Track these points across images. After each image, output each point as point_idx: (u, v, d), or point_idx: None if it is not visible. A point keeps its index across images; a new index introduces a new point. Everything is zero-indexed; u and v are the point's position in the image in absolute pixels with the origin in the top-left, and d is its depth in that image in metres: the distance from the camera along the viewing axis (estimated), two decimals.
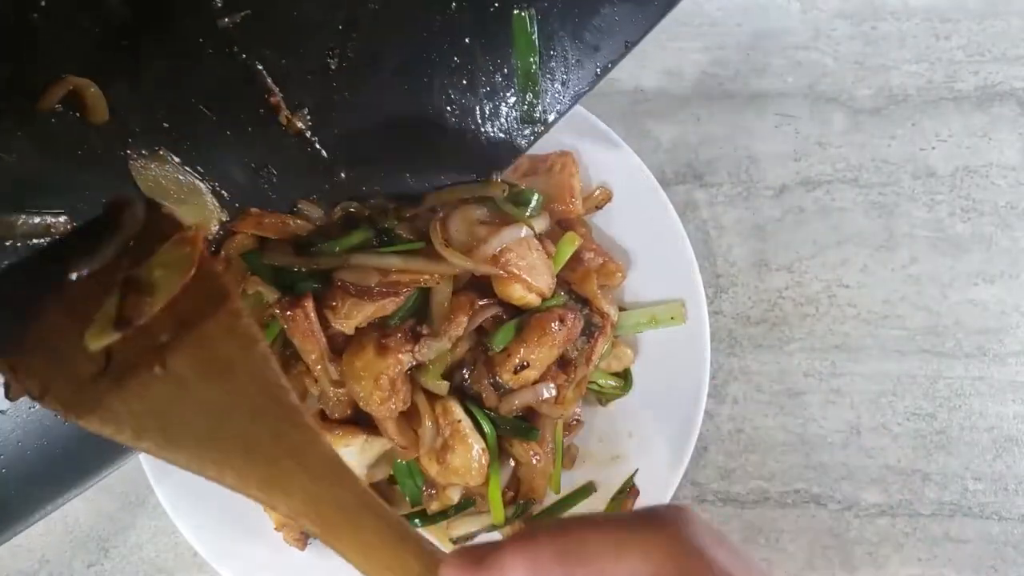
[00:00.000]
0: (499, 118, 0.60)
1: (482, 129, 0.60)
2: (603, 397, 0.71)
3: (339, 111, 0.56)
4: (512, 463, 0.67)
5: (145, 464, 0.68)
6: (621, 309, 0.71)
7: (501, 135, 0.61)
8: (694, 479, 0.73)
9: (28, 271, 0.46)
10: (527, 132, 0.61)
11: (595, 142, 0.72)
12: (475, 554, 0.32)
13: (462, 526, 0.68)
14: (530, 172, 0.70)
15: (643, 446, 0.69)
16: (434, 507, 0.67)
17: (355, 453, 0.64)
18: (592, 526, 0.32)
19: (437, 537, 0.69)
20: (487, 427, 0.64)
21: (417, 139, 0.60)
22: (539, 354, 0.63)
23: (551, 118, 0.61)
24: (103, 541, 0.75)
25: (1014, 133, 0.78)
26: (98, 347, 0.40)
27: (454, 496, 0.66)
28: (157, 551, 0.75)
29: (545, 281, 0.64)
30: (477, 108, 0.59)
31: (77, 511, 0.76)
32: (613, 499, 0.68)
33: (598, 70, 0.60)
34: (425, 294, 0.62)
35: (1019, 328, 0.75)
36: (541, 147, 0.72)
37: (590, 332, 0.66)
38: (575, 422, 0.71)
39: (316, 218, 0.61)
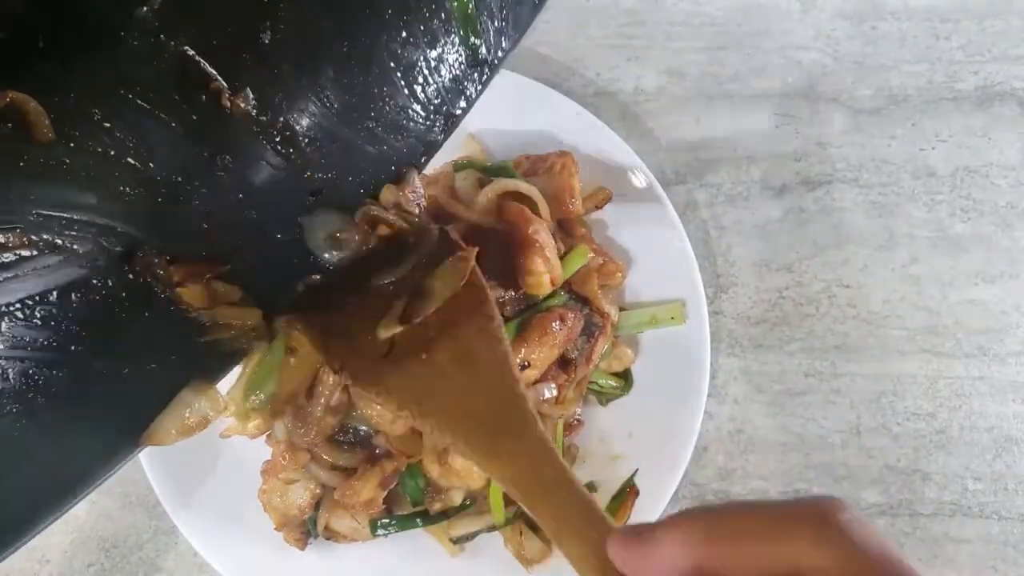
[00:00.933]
0: (446, 66, 0.59)
1: (431, 80, 0.59)
2: (603, 397, 0.71)
3: (282, 87, 0.54)
4: None
5: (146, 465, 0.68)
6: (621, 309, 0.71)
7: (451, 84, 0.59)
8: (694, 479, 0.73)
9: (341, 275, 0.57)
10: (476, 76, 0.60)
11: (595, 142, 0.72)
12: (636, 529, 0.34)
13: (463, 526, 0.68)
14: (530, 172, 0.70)
15: (643, 446, 0.69)
16: (436, 507, 0.67)
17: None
18: (751, 508, 0.34)
19: (437, 537, 0.69)
20: None
21: (368, 101, 0.58)
22: (540, 354, 0.63)
23: (498, 57, 0.60)
24: (103, 541, 0.75)
25: (1014, 133, 0.78)
26: (386, 336, 0.52)
27: (456, 498, 0.67)
28: (157, 551, 0.75)
29: (557, 269, 0.64)
30: (422, 60, 0.58)
31: (77, 511, 0.75)
32: (613, 499, 0.68)
33: (536, 0, 0.59)
34: None
35: (1019, 328, 0.75)
36: (541, 147, 0.72)
37: (590, 332, 0.66)
38: (576, 422, 0.71)
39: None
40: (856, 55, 0.80)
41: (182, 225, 0.52)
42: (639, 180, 0.71)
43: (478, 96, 0.60)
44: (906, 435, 0.74)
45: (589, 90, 0.80)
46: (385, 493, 0.65)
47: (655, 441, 0.68)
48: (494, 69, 0.60)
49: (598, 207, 0.72)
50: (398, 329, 0.51)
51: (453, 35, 0.58)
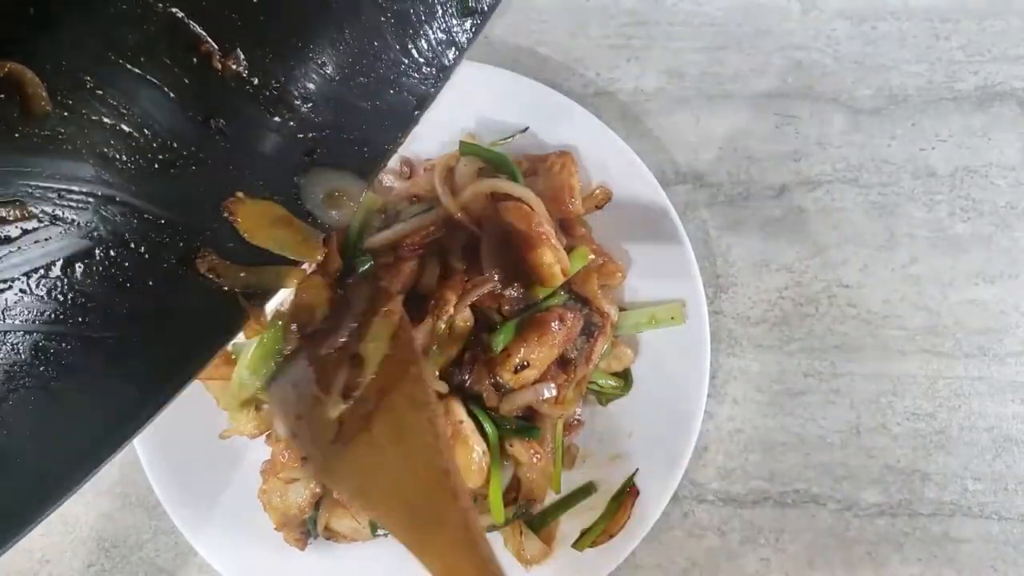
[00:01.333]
0: (436, 17, 0.58)
1: (422, 32, 0.58)
2: (603, 397, 0.71)
3: (273, 47, 0.54)
4: (512, 464, 0.68)
5: (146, 466, 0.69)
6: (621, 309, 0.71)
7: (442, 34, 0.59)
8: (694, 479, 0.73)
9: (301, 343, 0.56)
10: (467, 26, 0.59)
11: (595, 142, 0.72)
12: None
13: None
14: (530, 172, 0.70)
15: (643, 446, 0.69)
16: None
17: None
18: None
19: None
20: (489, 428, 0.64)
21: (360, 57, 0.57)
22: (539, 354, 0.63)
23: (488, 4, 0.59)
24: (103, 541, 0.75)
25: (1014, 133, 0.78)
26: (335, 415, 0.50)
27: None
28: (157, 551, 0.75)
29: (566, 260, 0.64)
30: (412, 12, 0.57)
31: (77, 511, 0.76)
32: (613, 499, 0.68)
33: None
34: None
35: (1019, 328, 0.75)
36: (540, 147, 0.72)
37: (590, 332, 0.66)
38: (576, 422, 0.71)
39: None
40: (856, 55, 0.80)
41: (180, 191, 0.52)
42: (639, 180, 0.71)
43: (470, 45, 0.60)
44: (906, 435, 0.74)
45: (589, 90, 0.80)
46: None
47: (655, 441, 0.68)
48: (484, 17, 0.59)
49: (598, 207, 0.72)
50: (343, 406, 0.50)
51: None
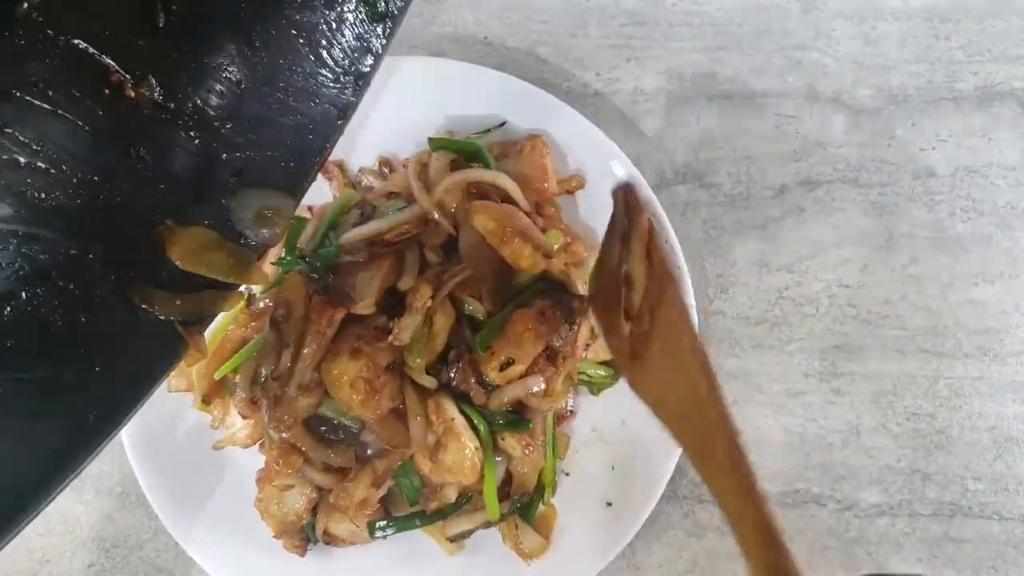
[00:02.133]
0: (347, 25, 0.57)
1: (335, 41, 0.57)
2: (595, 387, 0.71)
3: (184, 70, 0.52)
4: (505, 459, 0.68)
5: (143, 482, 0.69)
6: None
7: (355, 42, 0.58)
8: (694, 478, 0.73)
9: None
10: (379, 31, 0.58)
11: (571, 132, 0.72)
12: None
13: (458, 524, 0.68)
14: (501, 156, 0.71)
15: (636, 434, 0.69)
16: (432, 506, 0.67)
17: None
18: None
19: (435, 537, 0.69)
20: (481, 424, 0.64)
21: (275, 72, 0.56)
22: (523, 349, 0.63)
23: (398, 7, 0.59)
24: (103, 541, 0.75)
25: (1014, 133, 0.78)
26: (624, 334, 0.52)
27: (451, 494, 0.67)
28: (157, 551, 0.75)
29: (546, 244, 0.65)
30: (322, 22, 0.56)
31: (77, 511, 0.76)
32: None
33: None
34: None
35: (1019, 328, 0.75)
36: (514, 134, 0.72)
37: (571, 320, 0.67)
38: (568, 413, 0.71)
39: None
40: (856, 55, 0.80)
41: (105, 223, 0.50)
42: (616, 167, 0.71)
43: (385, 50, 0.59)
44: (906, 435, 0.74)
45: (589, 90, 0.80)
46: (379, 493, 0.65)
47: (648, 429, 0.68)
48: (396, 20, 0.59)
49: (570, 192, 0.72)
50: (627, 327, 0.52)
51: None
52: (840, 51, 0.80)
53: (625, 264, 0.53)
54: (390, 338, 0.62)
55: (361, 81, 0.58)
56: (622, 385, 0.70)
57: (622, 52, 0.81)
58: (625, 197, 0.55)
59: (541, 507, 0.68)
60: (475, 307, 0.65)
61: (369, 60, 0.58)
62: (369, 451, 0.66)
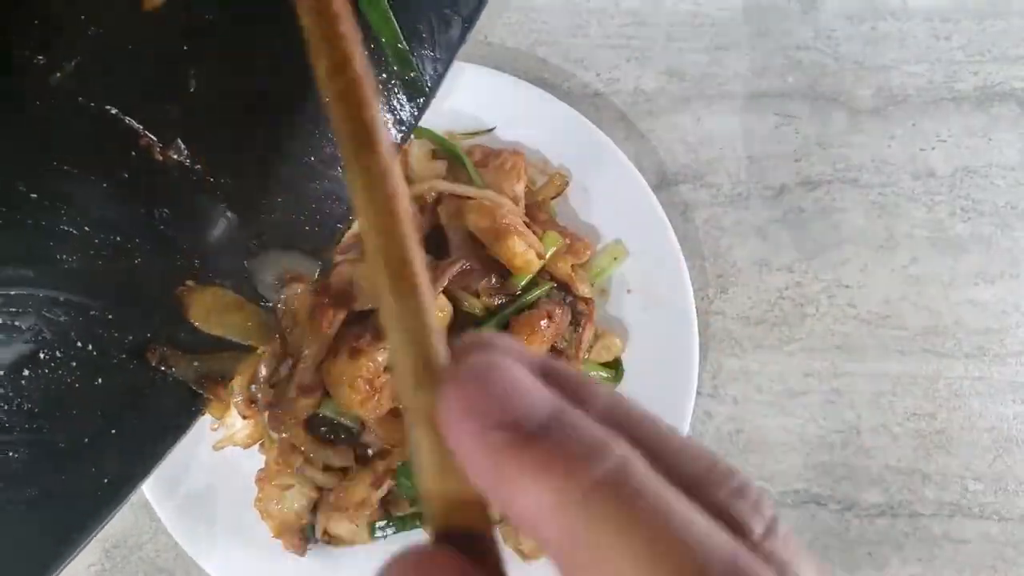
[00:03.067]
0: (383, 100, 0.58)
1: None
2: None
3: (213, 135, 0.52)
4: None
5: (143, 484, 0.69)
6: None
7: (388, 115, 0.58)
8: None
9: None
10: (413, 105, 0.59)
11: (576, 137, 0.72)
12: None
13: None
14: (480, 164, 0.71)
15: None
16: None
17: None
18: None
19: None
20: None
21: (305, 138, 0.56)
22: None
23: (434, 81, 0.59)
24: (103, 541, 0.75)
25: (1014, 133, 0.78)
26: None
27: None
28: (157, 551, 0.75)
29: (537, 243, 0.65)
30: None
31: None
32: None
33: (464, 25, 0.58)
34: None
35: (1019, 328, 0.75)
36: (500, 142, 0.72)
37: (577, 321, 0.67)
38: None
39: None
40: (856, 55, 0.80)
41: (125, 284, 0.50)
42: (620, 172, 0.71)
43: (417, 121, 0.60)
44: (906, 435, 0.74)
45: (589, 91, 0.80)
46: (380, 494, 0.65)
47: None
48: (431, 94, 0.59)
49: (558, 194, 0.72)
50: None
51: (387, 71, 0.57)
52: (840, 51, 0.80)
53: None
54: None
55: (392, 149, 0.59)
56: (622, 386, 0.70)
57: (622, 52, 0.81)
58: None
59: None
60: (472, 303, 0.65)
61: (401, 131, 0.59)
62: (369, 451, 0.66)
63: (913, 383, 0.75)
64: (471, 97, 0.72)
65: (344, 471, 0.66)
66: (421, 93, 0.59)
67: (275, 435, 0.64)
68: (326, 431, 0.65)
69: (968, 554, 0.72)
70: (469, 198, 0.67)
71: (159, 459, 0.52)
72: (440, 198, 0.69)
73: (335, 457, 0.65)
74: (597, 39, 0.81)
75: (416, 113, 0.59)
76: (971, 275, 0.76)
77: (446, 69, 0.59)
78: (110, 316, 0.49)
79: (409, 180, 0.69)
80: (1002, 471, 0.73)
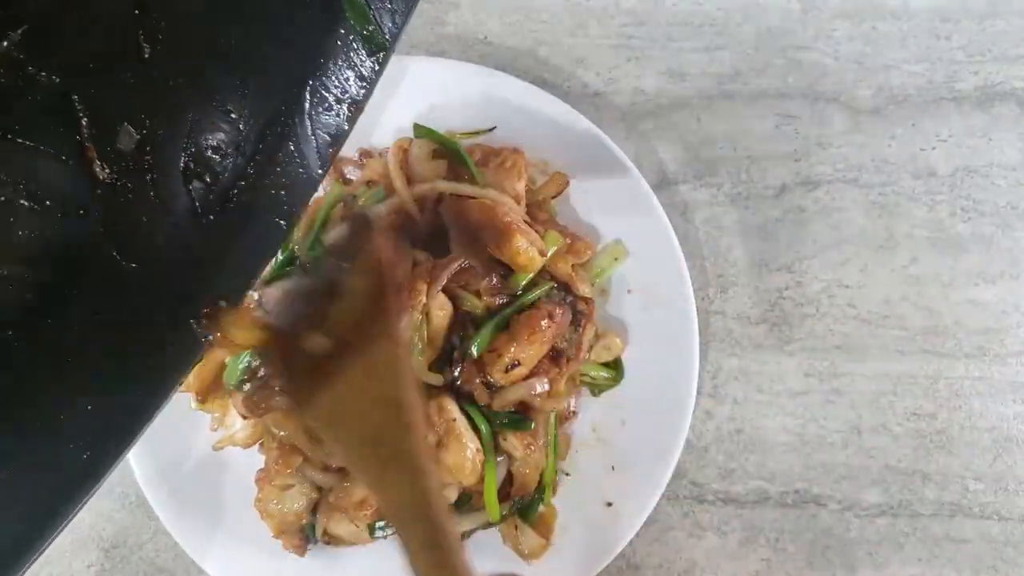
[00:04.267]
0: (344, 60, 0.56)
1: (332, 74, 0.56)
2: (596, 388, 0.71)
3: (168, 99, 0.50)
4: (506, 460, 0.68)
5: (143, 484, 0.69)
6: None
7: (349, 72, 0.57)
8: (694, 479, 0.73)
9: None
10: (373, 61, 0.58)
11: (576, 137, 0.72)
12: None
13: (459, 525, 0.68)
14: (481, 163, 0.71)
15: (636, 434, 0.69)
16: None
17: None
18: None
19: None
20: (483, 426, 0.64)
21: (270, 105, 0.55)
22: (529, 352, 0.63)
23: (393, 35, 0.58)
24: (103, 541, 0.75)
25: (1014, 133, 0.78)
26: (314, 350, 0.48)
27: (451, 495, 0.67)
28: (157, 551, 0.75)
29: (539, 240, 0.65)
30: (320, 59, 0.55)
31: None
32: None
33: None
34: None
35: (1019, 328, 0.75)
36: (501, 140, 0.72)
37: (577, 321, 0.67)
38: (571, 413, 0.71)
39: None
40: (856, 55, 0.80)
41: (92, 260, 0.49)
42: (607, 157, 0.71)
43: (378, 76, 0.58)
44: (906, 435, 0.74)
45: (589, 90, 0.80)
46: None
47: (648, 429, 0.68)
48: (390, 48, 0.58)
49: (558, 194, 0.72)
50: (324, 343, 0.48)
51: (346, 26, 0.56)
52: (840, 51, 0.80)
53: (338, 284, 0.50)
54: None
55: (354, 108, 0.58)
56: (622, 386, 0.70)
57: (622, 52, 0.81)
58: (359, 225, 0.53)
59: (541, 507, 0.68)
60: (472, 302, 0.65)
61: (362, 87, 0.58)
62: None
63: (913, 383, 0.75)
64: (471, 97, 0.72)
65: (344, 471, 0.66)
66: (381, 47, 0.57)
67: (246, 413, 0.64)
68: None
69: (968, 554, 0.72)
70: (470, 197, 0.67)
71: (133, 437, 0.50)
72: (441, 198, 0.69)
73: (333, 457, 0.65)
74: (597, 39, 0.81)
75: (376, 68, 0.58)
76: (971, 275, 0.76)
77: (405, 21, 0.58)
78: (75, 292, 0.48)
79: (410, 180, 0.69)
80: (1002, 471, 0.73)
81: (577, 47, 0.81)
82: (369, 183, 0.71)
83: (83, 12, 0.47)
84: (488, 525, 0.68)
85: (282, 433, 0.65)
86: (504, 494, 0.67)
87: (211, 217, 0.53)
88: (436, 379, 0.64)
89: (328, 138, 0.57)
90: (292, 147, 0.56)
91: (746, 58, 0.80)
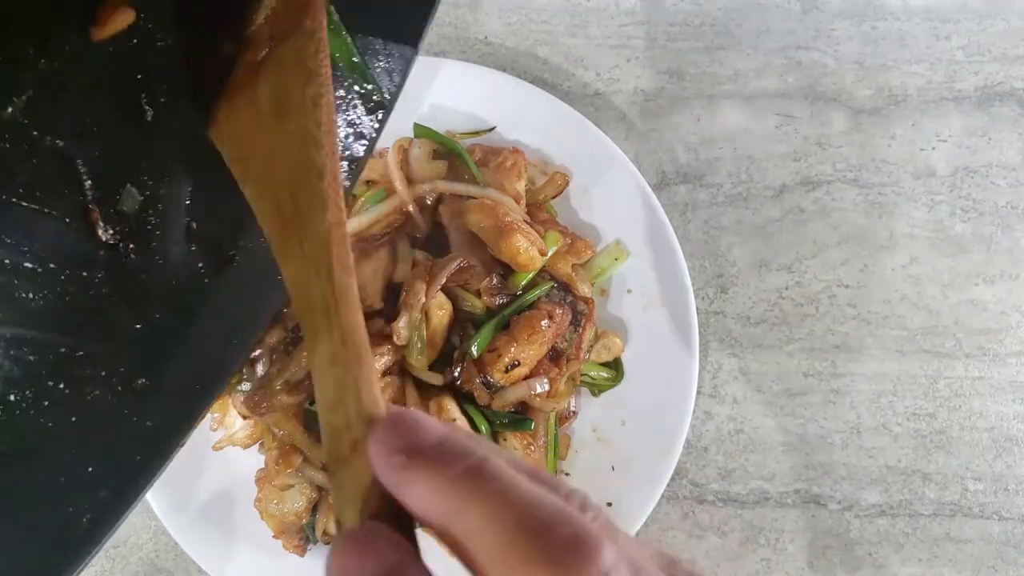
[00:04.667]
0: (343, 116, 0.56)
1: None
2: (595, 388, 0.71)
3: (173, 163, 0.50)
4: None
5: None
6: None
7: (350, 129, 0.57)
8: (694, 479, 0.73)
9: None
10: (374, 118, 0.57)
11: (576, 137, 0.72)
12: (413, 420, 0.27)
13: None
14: (481, 163, 0.71)
15: (635, 434, 0.69)
16: None
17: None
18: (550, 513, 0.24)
19: (434, 536, 0.69)
20: (483, 426, 0.64)
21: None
22: (529, 352, 0.63)
23: (392, 93, 0.57)
24: None
25: (1014, 133, 0.78)
26: (224, 52, 0.43)
27: None
28: (157, 551, 0.74)
29: (539, 240, 0.65)
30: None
31: None
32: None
33: (419, 28, 0.56)
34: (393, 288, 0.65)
35: (1019, 328, 0.75)
36: (501, 140, 0.72)
37: (577, 321, 0.67)
38: (571, 413, 0.71)
39: None
40: (856, 55, 0.80)
41: (94, 319, 0.48)
42: (622, 172, 0.71)
43: (378, 135, 0.58)
44: (906, 435, 0.74)
45: (589, 90, 0.80)
46: None
47: (648, 429, 0.68)
48: (390, 106, 0.58)
49: (558, 194, 0.72)
50: (231, 47, 0.43)
51: (344, 87, 0.55)
52: (840, 51, 0.80)
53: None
54: (395, 339, 0.62)
55: (354, 165, 0.57)
56: (622, 386, 0.70)
57: (622, 52, 0.81)
58: None
59: None
60: (472, 302, 0.65)
61: (363, 144, 0.57)
62: None
63: (913, 383, 0.75)
64: (471, 97, 0.72)
65: None
66: (380, 106, 0.57)
67: (246, 411, 0.64)
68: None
69: (968, 554, 0.72)
70: (470, 197, 0.67)
71: (139, 495, 0.50)
72: (441, 198, 0.69)
73: None
74: (597, 39, 0.81)
75: (377, 126, 0.58)
76: (971, 275, 0.76)
77: (403, 80, 0.58)
78: (79, 352, 0.48)
79: (410, 180, 0.69)
80: (1002, 471, 0.73)
81: (577, 47, 0.81)
82: (369, 183, 0.71)
83: (86, 78, 0.47)
84: None
85: (282, 433, 0.65)
86: None
87: (215, 276, 0.52)
88: (436, 379, 0.64)
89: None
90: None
91: (746, 58, 0.80)
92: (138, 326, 0.50)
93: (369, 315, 0.65)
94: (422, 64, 0.73)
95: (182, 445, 0.51)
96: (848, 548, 0.72)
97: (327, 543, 0.68)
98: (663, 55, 0.80)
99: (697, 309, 0.69)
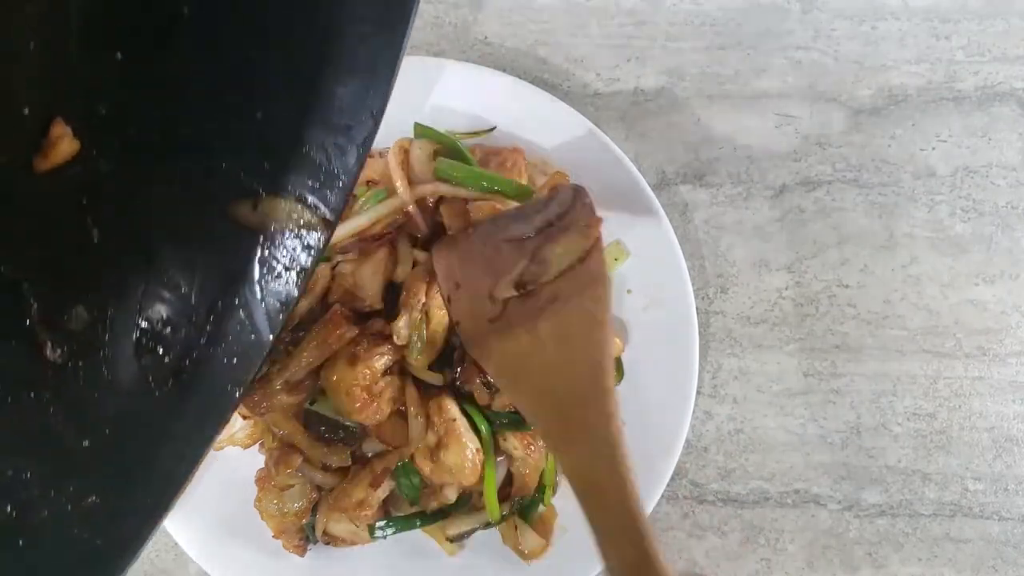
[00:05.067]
0: (286, 240, 0.56)
1: (280, 251, 0.56)
2: None
3: (124, 291, 0.50)
4: (506, 460, 0.68)
5: None
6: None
7: (297, 243, 0.56)
8: (694, 479, 0.73)
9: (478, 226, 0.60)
10: (318, 235, 0.56)
11: (576, 137, 0.72)
12: None
13: (458, 524, 0.68)
14: (482, 164, 0.70)
15: (636, 434, 0.68)
16: (432, 506, 0.67)
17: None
18: None
19: (435, 537, 0.69)
20: (483, 425, 0.64)
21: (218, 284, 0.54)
22: None
23: (336, 209, 0.57)
24: None
25: (1014, 133, 0.78)
26: (501, 297, 0.53)
27: (451, 495, 0.67)
28: (157, 551, 0.75)
29: None
30: (263, 240, 0.55)
31: None
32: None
33: (359, 150, 0.55)
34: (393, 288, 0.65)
35: (1019, 328, 0.75)
36: (501, 140, 0.72)
37: None
38: None
39: None
40: (856, 55, 0.80)
41: (44, 441, 0.48)
42: (607, 157, 0.70)
43: (325, 246, 0.57)
44: (906, 435, 0.74)
45: (589, 90, 0.80)
46: (380, 494, 0.65)
47: (648, 430, 0.68)
48: (333, 223, 0.57)
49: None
50: (512, 293, 0.52)
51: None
52: (840, 51, 0.80)
53: (540, 242, 0.53)
54: (395, 339, 0.62)
55: (302, 274, 0.56)
56: (623, 386, 0.70)
57: (622, 52, 0.81)
58: (580, 196, 0.56)
59: (541, 507, 0.68)
60: None
61: (310, 255, 0.57)
62: (369, 452, 0.66)
63: (913, 383, 0.75)
64: (471, 97, 0.72)
65: (344, 471, 0.66)
66: (326, 226, 0.56)
67: (250, 419, 0.64)
68: (325, 430, 0.65)
69: (968, 554, 0.72)
70: (471, 199, 0.67)
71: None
72: (442, 198, 0.69)
73: (331, 457, 0.65)
74: (597, 39, 0.81)
75: (321, 239, 0.56)
76: (971, 275, 0.76)
77: (344, 197, 0.57)
78: (26, 475, 0.46)
79: (410, 180, 0.69)
80: (1002, 471, 0.73)
81: (577, 47, 0.81)
82: (369, 183, 0.71)
83: (31, 205, 0.46)
84: (488, 525, 0.68)
85: (282, 433, 0.65)
86: (504, 494, 0.67)
87: (164, 389, 0.52)
88: (436, 379, 0.64)
89: (278, 304, 0.55)
90: (243, 315, 0.55)
91: (746, 58, 0.80)
92: (86, 443, 0.49)
93: (369, 315, 0.65)
94: (422, 64, 0.73)
95: (133, 562, 0.49)
96: (848, 548, 0.72)
97: (327, 543, 0.68)
98: (663, 55, 0.80)
99: (697, 309, 0.69)
